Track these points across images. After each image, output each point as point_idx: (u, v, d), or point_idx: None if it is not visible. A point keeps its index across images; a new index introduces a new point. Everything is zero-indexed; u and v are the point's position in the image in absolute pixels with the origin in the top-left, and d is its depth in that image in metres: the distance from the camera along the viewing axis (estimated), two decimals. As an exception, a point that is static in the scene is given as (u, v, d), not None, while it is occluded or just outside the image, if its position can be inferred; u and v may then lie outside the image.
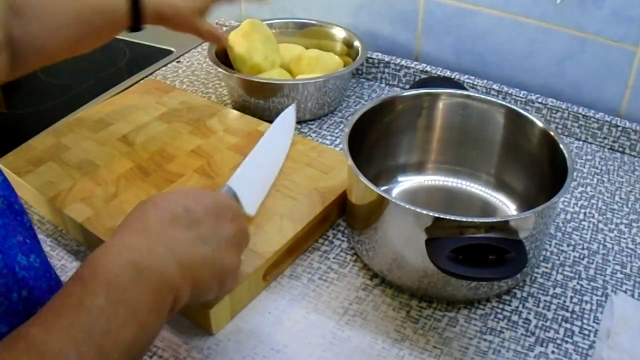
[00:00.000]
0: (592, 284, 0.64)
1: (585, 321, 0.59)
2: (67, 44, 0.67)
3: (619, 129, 0.83)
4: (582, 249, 0.68)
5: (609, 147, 0.85)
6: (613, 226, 0.71)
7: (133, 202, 0.66)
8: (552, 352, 0.56)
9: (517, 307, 0.61)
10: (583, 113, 0.85)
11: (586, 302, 0.62)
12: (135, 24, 0.71)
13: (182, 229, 0.46)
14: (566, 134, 0.87)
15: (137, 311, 0.40)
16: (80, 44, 0.69)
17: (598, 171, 0.81)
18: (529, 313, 0.60)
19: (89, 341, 0.37)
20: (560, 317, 0.60)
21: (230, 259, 0.49)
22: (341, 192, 0.68)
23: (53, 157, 0.73)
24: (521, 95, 0.88)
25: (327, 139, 0.85)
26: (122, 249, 0.43)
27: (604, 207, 0.74)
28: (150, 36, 1.15)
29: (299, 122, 0.88)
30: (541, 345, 0.57)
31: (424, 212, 0.54)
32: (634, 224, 0.72)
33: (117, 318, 0.38)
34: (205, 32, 0.81)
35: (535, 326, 0.59)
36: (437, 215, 0.53)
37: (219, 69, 0.87)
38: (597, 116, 0.84)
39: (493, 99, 0.71)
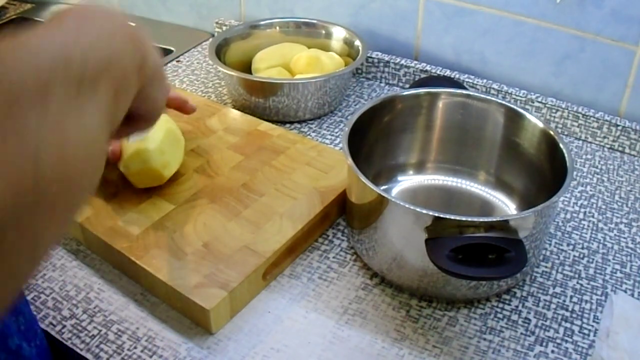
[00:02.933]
0: (591, 283, 0.64)
1: (585, 320, 0.59)
2: None
3: (619, 128, 0.83)
4: (582, 248, 0.68)
5: (608, 146, 0.85)
6: (613, 225, 0.71)
7: (133, 201, 0.67)
8: (552, 351, 0.56)
9: (517, 306, 0.61)
10: (583, 112, 0.85)
11: (586, 301, 0.62)
12: None
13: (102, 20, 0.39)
14: (566, 133, 0.87)
15: (113, 35, 0.37)
16: None
17: (598, 170, 0.81)
18: (528, 312, 0.60)
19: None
20: (560, 317, 0.60)
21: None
22: (341, 192, 0.68)
23: (53, 157, 0.73)
24: (521, 94, 0.88)
25: (327, 139, 0.85)
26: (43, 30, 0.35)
27: (603, 207, 0.74)
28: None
29: (299, 122, 0.88)
30: (541, 345, 0.57)
31: (424, 211, 0.54)
32: (633, 223, 0.72)
33: (95, 27, 0.35)
34: None
35: (535, 325, 0.59)
36: (436, 214, 0.53)
37: (219, 68, 0.87)
38: (596, 115, 0.84)
39: (493, 99, 0.71)
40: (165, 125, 0.69)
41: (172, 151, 0.69)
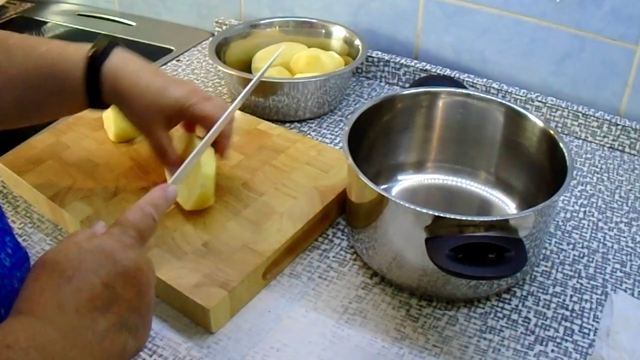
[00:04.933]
0: (591, 282, 0.64)
1: (585, 320, 0.59)
2: (14, 109, 0.59)
3: (619, 127, 0.83)
4: (582, 247, 0.68)
5: (608, 145, 0.85)
6: (613, 225, 0.71)
7: (132, 200, 0.66)
8: (552, 350, 0.56)
9: (517, 305, 0.61)
10: (583, 112, 0.85)
11: (586, 300, 0.62)
12: (93, 97, 0.60)
13: (101, 314, 0.40)
14: (566, 132, 0.87)
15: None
16: (30, 111, 0.61)
17: (598, 170, 0.81)
18: (528, 312, 0.60)
19: None
20: (560, 316, 0.60)
21: (149, 326, 0.45)
22: (341, 191, 0.68)
23: (53, 156, 0.73)
24: (521, 93, 0.88)
25: (327, 138, 0.85)
26: (30, 348, 0.36)
27: (603, 206, 0.74)
28: (150, 34, 1.15)
29: (298, 121, 0.88)
30: (541, 344, 0.57)
31: (424, 210, 0.54)
32: (633, 223, 0.72)
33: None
34: (157, 145, 0.62)
35: (535, 325, 0.59)
36: (436, 214, 0.53)
37: (219, 68, 0.87)
38: (596, 115, 0.84)
39: (493, 98, 0.71)
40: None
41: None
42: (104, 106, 0.62)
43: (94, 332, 0.39)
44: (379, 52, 0.97)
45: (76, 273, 0.40)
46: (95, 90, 0.59)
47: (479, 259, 0.53)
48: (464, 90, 0.72)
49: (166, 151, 0.62)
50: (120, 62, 0.60)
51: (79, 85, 0.59)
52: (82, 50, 0.59)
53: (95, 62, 0.59)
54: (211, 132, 0.59)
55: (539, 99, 0.87)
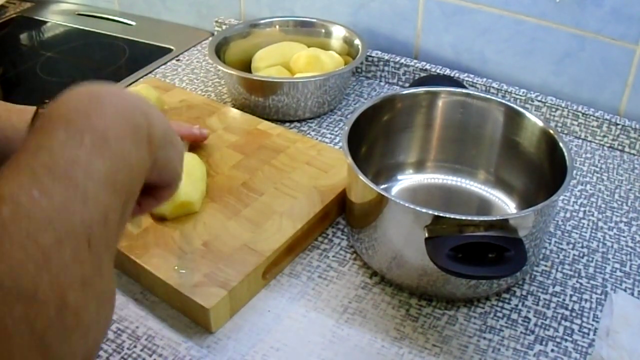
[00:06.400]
0: (591, 282, 0.64)
1: (584, 319, 0.59)
2: None
3: (619, 127, 0.83)
4: (582, 247, 0.68)
5: (608, 145, 0.85)
6: (613, 224, 0.71)
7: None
8: (552, 350, 0.56)
9: (517, 305, 0.61)
10: (582, 111, 0.85)
11: (586, 300, 0.62)
12: None
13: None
14: (565, 132, 0.87)
15: (107, 137, 0.35)
16: None
17: (597, 169, 0.81)
18: (528, 311, 0.60)
19: (51, 174, 0.32)
20: (559, 316, 0.60)
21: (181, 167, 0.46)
22: (341, 191, 0.68)
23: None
24: (520, 93, 0.88)
25: (326, 137, 0.85)
26: (79, 90, 0.38)
27: (603, 206, 0.74)
28: (149, 34, 1.15)
29: (298, 121, 0.88)
30: (541, 344, 0.57)
31: (424, 210, 0.54)
32: (633, 222, 0.72)
33: (84, 147, 0.34)
34: None
35: (535, 324, 0.59)
36: (436, 213, 0.53)
37: (219, 67, 0.87)
38: (596, 114, 0.84)
39: (492, 97, 0.71)
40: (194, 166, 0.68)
41: (202, 184, 0.68)
42: None
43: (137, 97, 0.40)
44: (379, 52, 0.97)
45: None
46: None
47: (478, 258, 0.53)
48: (463, 90, 0.72)
49: None
50: None
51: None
52: (26, 116, 0.57)
53: None
54: None
55: (539, 98, 0.87)
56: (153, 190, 0.45)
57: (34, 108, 0.59)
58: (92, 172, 0.33)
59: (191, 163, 0.68)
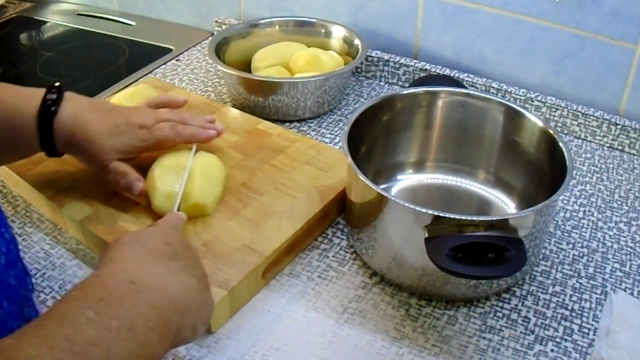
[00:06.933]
0: (591, 282, 0.64)
1: (584, 319, 0.59)
2: None
3: (618, 127, 0.83)
4: (582, 247, 0.68)
5: (608, 145, 0.85)
6: (612, 224, 0.71)
7: (133, 200, 0.67)
8: (552, 350, 0.56)
9: (517, 305, 0.61)
10: (582, 111, 0.85)
11: (585, 300, 0.62)
12: (48, 149, 0.61)
13: (168, 260, 0.46)
14: (565, 132, 0.87)
15: (135, 326, 0.37)
16: None
17: (597, 169, 0.81)
18: (528, 311, 0.60)
19: (70, 350, 0.33)
20: (559, 316, 0.60)
21: (210, 292, 0.49)
22: (340, 191, 0.68)
23: (52, 156, 0.73)
24: (520, 93, 0.88)
25: (326, 137, 0.85)
26: (115, 272, 0.41)
27: (603, 205, 0.74)
28: (149, 34, 1.15)
29: (298, 121, 0.88)
30: (540, 344, 0.57)
31: (423, 210, 0.54)
32: (633, 222, 0.72)
33: (110, 331, 0.36)
34: (113, 174, 0.63)
35: (535, 324, 0.59)
36: (436, 213, 0.53)
37: (219, 67, 0.87)
38: (596, 114, 0.84)
39: (492, 97, 0.71)
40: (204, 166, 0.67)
41: (219, 187, 0.68)
42: (60, 155, 0.63)
43: (166, 268, 0.44)
44: (379, 52, 0.97)
45: (139, 237, 0.47)
46: (49, 144, 0.60)
47: (478, 258, 0.53)
48: (463, 90, 0.72)
49: (128, 180, 0.63)
50: (71, 115, 0.60)
51: (33, 140, 0.60)
52: (34, 103, 0.59)
53: (46, 118, 0.59)
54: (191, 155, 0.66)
55: (539, 98, 0.87)
56: None
57: (42, 92, 0.60)
58: (111, 357, 0.35)
59: (211, 164, 0.67)
